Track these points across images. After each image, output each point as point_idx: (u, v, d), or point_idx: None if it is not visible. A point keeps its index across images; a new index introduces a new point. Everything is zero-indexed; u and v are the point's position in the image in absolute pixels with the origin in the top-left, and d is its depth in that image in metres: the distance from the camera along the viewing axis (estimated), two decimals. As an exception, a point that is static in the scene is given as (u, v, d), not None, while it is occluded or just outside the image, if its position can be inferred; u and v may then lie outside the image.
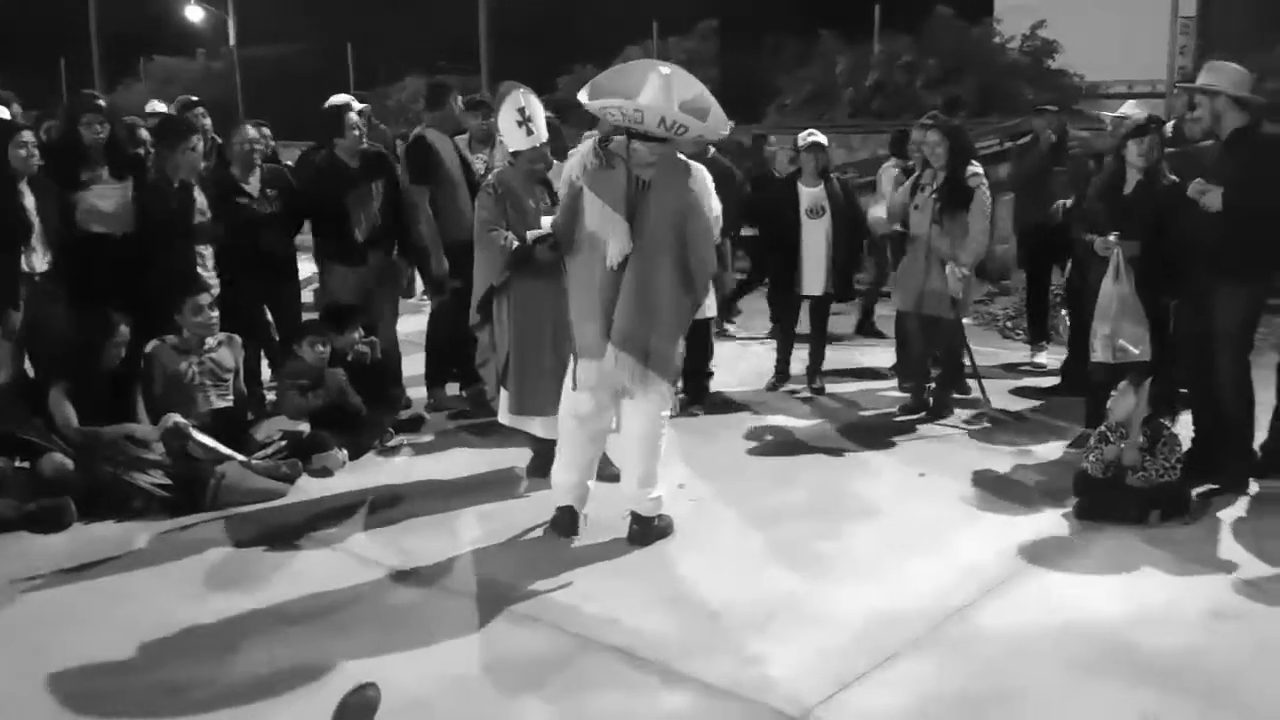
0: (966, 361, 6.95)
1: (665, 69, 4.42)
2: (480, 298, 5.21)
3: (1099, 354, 5.65)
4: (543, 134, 5.24)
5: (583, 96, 4.49)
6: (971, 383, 6.98)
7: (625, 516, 4.85)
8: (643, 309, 4.54)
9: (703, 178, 4.70)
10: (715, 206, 4.79)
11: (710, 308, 6.49)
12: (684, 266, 4.58)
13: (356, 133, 6.42)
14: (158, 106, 7.40)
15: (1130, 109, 7.22)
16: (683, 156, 4.71)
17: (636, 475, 4.76)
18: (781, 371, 7.37)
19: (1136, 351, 5.52)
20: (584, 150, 4.68)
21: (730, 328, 9.01)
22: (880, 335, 8.62)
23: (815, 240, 6.96)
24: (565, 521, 4.90)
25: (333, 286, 6.61)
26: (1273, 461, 5.34)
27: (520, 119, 5.13)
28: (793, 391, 7.23)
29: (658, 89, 4.35)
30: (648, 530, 4.82)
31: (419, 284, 7.01)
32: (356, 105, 7.40)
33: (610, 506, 4.93)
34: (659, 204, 4.53)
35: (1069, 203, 6.85)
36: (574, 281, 4.75)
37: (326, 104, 7.49)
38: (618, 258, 4.53)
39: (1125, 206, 5.62)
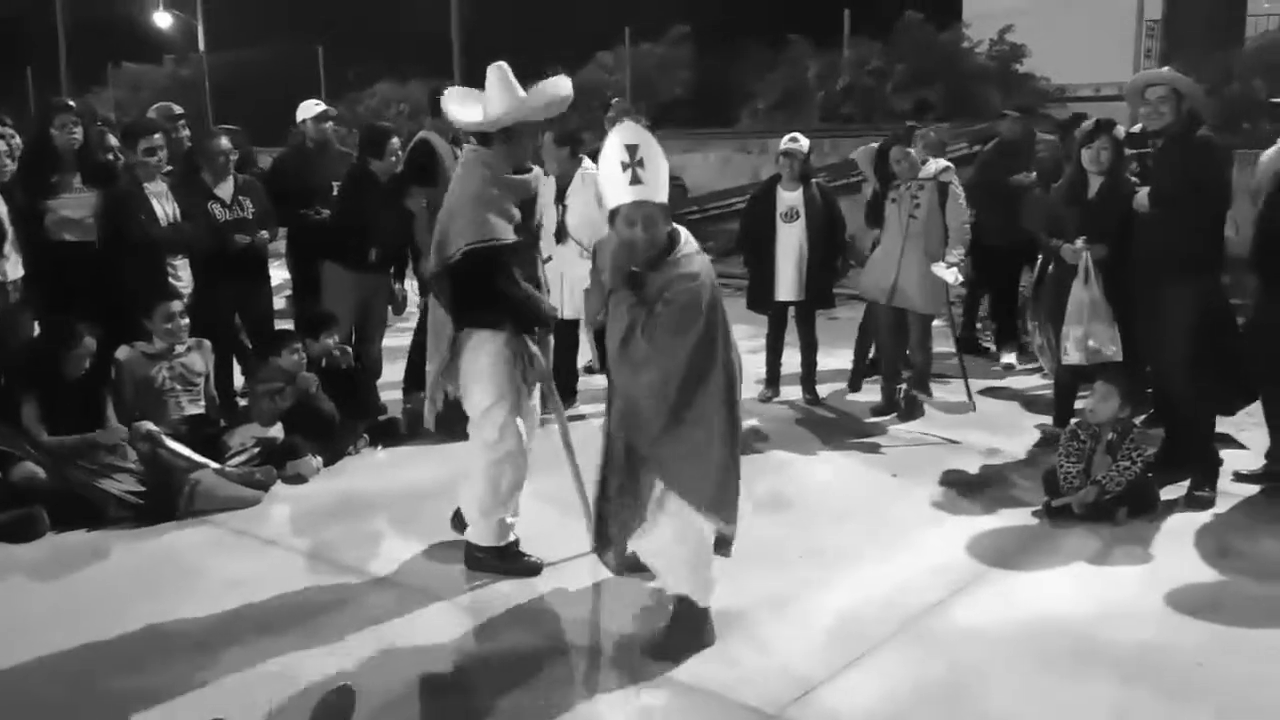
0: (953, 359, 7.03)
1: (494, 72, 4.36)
2: None
3: (1072, 356, 5.73)
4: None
5: (496, 112, 4.37)
6: (957, 383, 7.06)
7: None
8: None
9: None
10: None
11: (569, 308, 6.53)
12: None
13: (394, 159, 6.54)
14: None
15: None
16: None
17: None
18: (772, 381, 7.26)
19: (1109, 351, 5.61)
20: None
21: None
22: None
23: (789, 245, 6.97)
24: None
25: (332, 288, 6.64)
26: None
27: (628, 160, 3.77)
28: (786, 402, 7.15)
29: (497, 77, 4.31)
30: None
31: (413, 298, 7.05)
32: (317, 108, 7.44)
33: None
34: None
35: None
36: None
37: (298, 110, 7.51)
38: None
39: (1090, 211, 5.70)
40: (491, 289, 4.37)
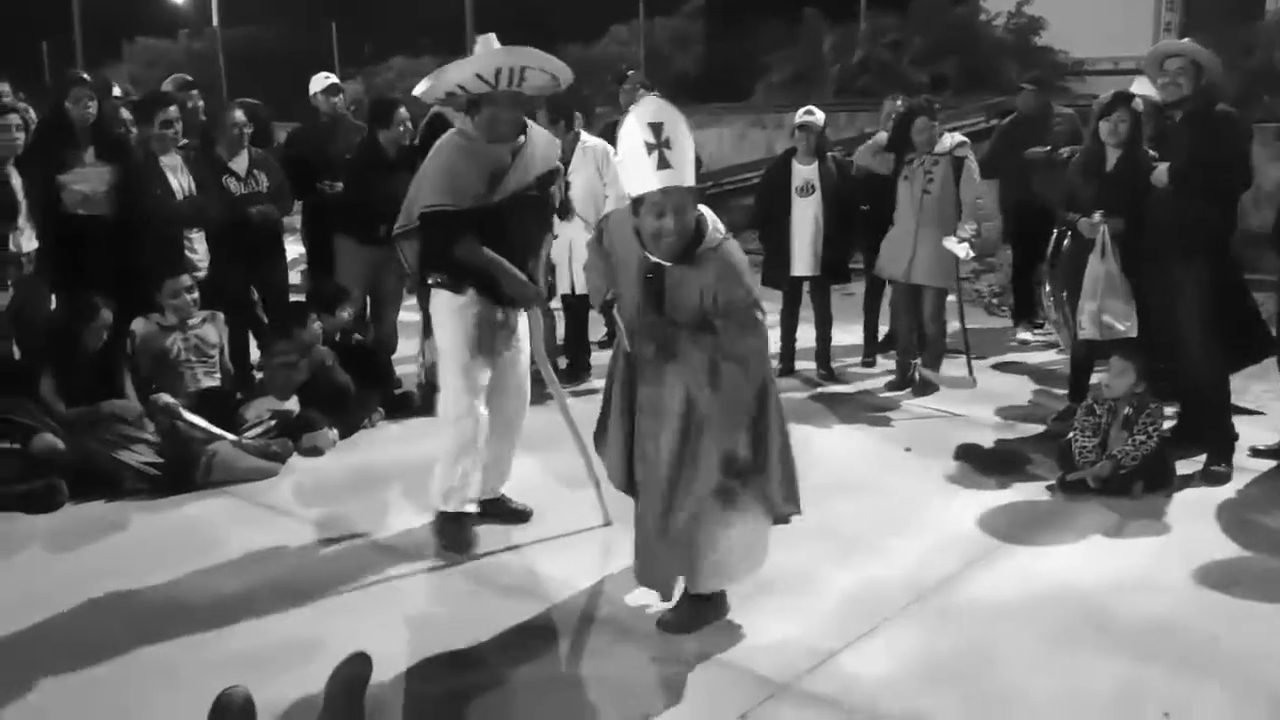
0: (958, 335, 7.00)
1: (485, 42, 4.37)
2: None
3: (1086, 331, 5.70)
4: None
5: (420, 91, 4.44)
6: (960, 358, 7.04)
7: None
8: None
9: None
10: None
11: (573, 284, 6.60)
12: None
13: (402, 128, 6.56)
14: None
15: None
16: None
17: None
18: (786, 357, 7.20)
19: (1123, 327, 5.58)
20: None
21: None
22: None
23: (804, 219, 6.92)
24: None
25: (344, 262, 6.70)
26: None
27: (653, 141, 3.46)
28: (801, 377, 7.10)
29: (482, 48, 4.35)
30: None
31: None
32: (326, 81, 7.43)
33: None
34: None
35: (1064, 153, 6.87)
36: None
37: (311, 83, 7.51)
38: None
39: (1108, 184, 5.66)
40: (447, 253, 4.41)
